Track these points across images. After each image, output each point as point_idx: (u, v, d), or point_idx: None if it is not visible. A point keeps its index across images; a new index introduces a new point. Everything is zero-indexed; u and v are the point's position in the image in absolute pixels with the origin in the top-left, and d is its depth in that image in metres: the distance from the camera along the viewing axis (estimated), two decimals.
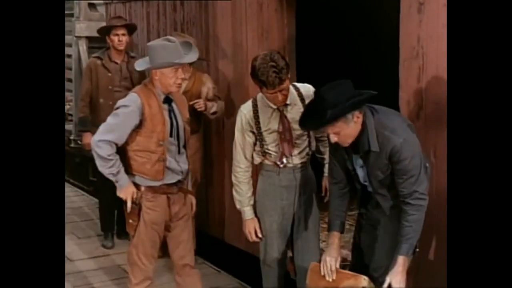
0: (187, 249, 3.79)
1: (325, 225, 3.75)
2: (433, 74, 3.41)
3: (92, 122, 5.43)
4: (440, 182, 3.34)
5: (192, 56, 3.65)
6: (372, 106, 3.07)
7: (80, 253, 5.50)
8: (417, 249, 3.06)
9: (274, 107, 3.56)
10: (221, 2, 5.17)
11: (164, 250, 4.14)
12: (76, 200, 7.30)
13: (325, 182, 3.82)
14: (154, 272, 3.80)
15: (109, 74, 5.43)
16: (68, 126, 8.73)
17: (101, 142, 3.43)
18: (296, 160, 3.65)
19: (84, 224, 6.35)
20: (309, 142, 3.69)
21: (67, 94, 8.65)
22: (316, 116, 2.99)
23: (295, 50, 4.67)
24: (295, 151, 3.63)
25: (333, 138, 3.00)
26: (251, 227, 3.73)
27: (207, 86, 4.95)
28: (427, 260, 3.51)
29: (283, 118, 3.58)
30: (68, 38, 8.19)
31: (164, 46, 3.48)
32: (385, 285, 2.99)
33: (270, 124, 3.59)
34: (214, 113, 4.90)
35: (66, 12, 7.80)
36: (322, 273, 3.23)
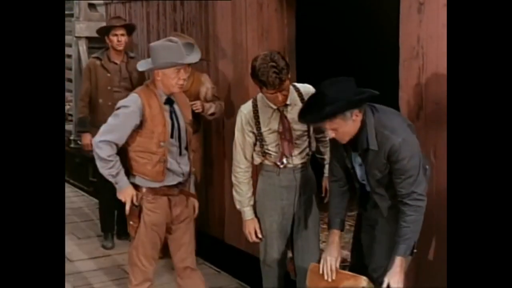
0: (188, 252, 3.78)
1: (325, 226, 3.75)
2: (433, 74, 3.41)
3: (91, 122, 5.44)
4: (440, 182, 3.34)
5: (195, 56, 3.64)
6: (373, 105, 3.07)
7: (80, 253, 5.50)
8: (415, 250, 3.05)
9: (274, 107, 3.56)
10: (221, 2, 5.17)
11: (164, 251, 4.14)
12: (76, 200, 7.30)
13: (325, 183, 3.82)
14: (153, 273, 3.79)
15: (108, 75, 5.43)
16: (68, 127, 8.73)
17: (101, 143, 3.43)
18: (296, 161, 3.65)
19: (84, 224, 6.35)
20: (309, 143, 3.69)
21: (67, 94, 8.65)
22: (314, 111, 3.00)
23: (295, 50, 4.66)
24: (295, 152, 3.63)
25: (331, 134, 3.02)
26: (251, 227, 3.73)
27: (206, 86, 4.95)
28: (427, 260, 3.51)
29: (283, 118, 3.58)
30: (68, 38, 8.19)
31: (166, 47, 3.48)
32: (384, 285, 2.99)
33: (270, 124, 3.59)
34: (212, 114, 4.88)
35: (66, 12, 7.80)
36: (321, 272, 3.23)
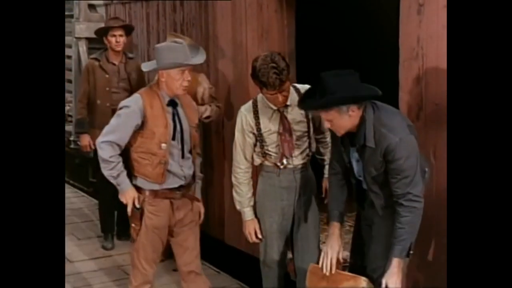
0: (192, 256, 3.73)
1: (325, 226, 3.75)
2: (433, 74, 3.41)
3: (89, 123, 5.44)
4: (440, 182, 3.34)
5: (200, 58, 3.62)
6: (375, 102, 3.06)
7: (80, 254, 5.49)
8: (411, 252, 3.04)
9: (275, 108, 3.56)
10: (221, 2, 5.16)
11: (165, 254, 4.13)
12: (76, 201, 7.29)
13: (325, 183, 3.82)
14: (154, 275, 3.78)
15: (107, 76, 5.42)
16: (68, 127, 8.71)
17: (103, 144, 3.43)
18: (296, 161, 3.65)
19: (84, 225, 6.34)
20: (309, 143, 3.69)
21: (67, 95, 8.63)
22: (311, 99, 3.04)
23: (295, 50, 4.67)
24: (295, 152, 3.63)
25: (327, 124, 3.06)
26: (251, 228, 3.73)
27: (203, 86, 4.93)
28: (426, 261, 3.51)
29: (283, 119, 3.58)
30: (68, 39, 8.17)
31: (171, 48, 3.48)
32: (382, 287, 2.99)
33: (271, 125, 3.59)
34: (208, 117, 4.85)
35: (66, 13, 7.79)
36: (320, 265, 3.22)
